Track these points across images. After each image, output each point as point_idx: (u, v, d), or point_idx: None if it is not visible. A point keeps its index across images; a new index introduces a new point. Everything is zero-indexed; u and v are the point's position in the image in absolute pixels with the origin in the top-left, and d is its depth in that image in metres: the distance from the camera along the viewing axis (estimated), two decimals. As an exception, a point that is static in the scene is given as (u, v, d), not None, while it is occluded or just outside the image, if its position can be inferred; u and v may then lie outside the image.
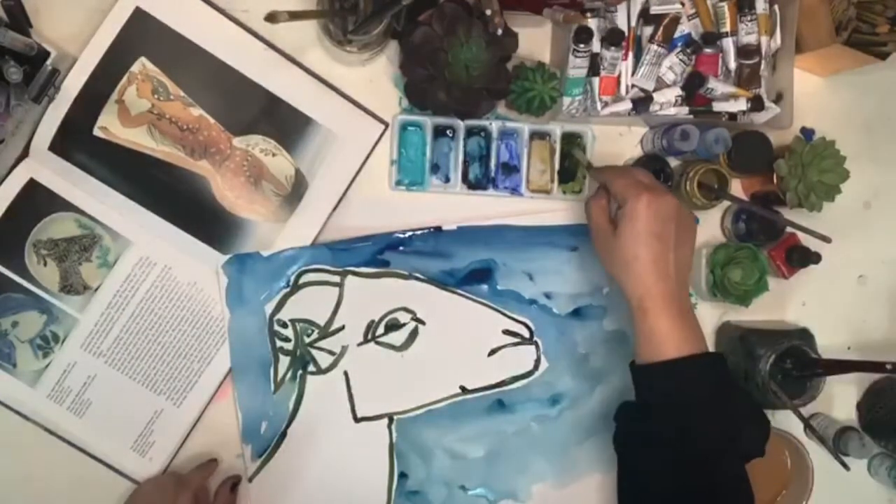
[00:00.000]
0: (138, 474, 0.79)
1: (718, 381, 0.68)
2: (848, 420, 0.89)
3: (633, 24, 0.78)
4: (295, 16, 0.64)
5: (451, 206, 0.81)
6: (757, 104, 0.79)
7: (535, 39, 0.81)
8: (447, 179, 0.81)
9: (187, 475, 0.77)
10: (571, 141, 0.82)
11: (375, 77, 0.79)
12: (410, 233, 0.80)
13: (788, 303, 0.87)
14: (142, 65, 0.75)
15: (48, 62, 0.71)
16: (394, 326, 0.80)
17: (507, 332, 0.81)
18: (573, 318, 0.83)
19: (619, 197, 0.70)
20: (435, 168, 0.80)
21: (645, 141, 0.84)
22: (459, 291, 0.81)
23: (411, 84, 0.75)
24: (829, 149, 0.81)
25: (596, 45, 0.76)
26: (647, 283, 0.68)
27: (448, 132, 0.80)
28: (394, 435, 0.81)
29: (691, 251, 0.71)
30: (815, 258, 0.83)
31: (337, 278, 0.79)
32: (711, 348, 0.86)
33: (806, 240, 0.83)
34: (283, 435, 0.80)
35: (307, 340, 0.79)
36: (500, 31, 0.70)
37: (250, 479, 0.79)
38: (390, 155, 0.80)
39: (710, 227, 0.86)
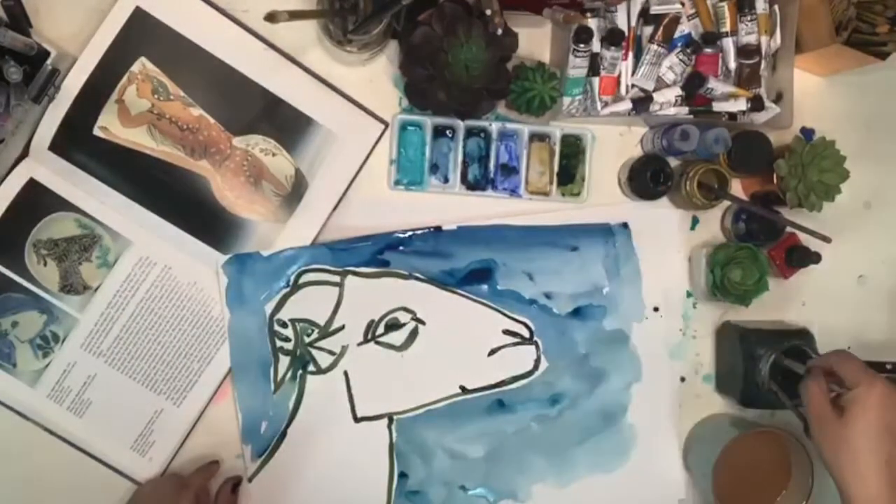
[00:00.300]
0: (138, 474, 0.79)
1: None
2: (848, 420, 0.89)
3: (633, 24, 0.78)
4: (295, 16, 0.64)
5: (450, 206, 0.81)
6: (757, 104, 0.79)
7: (535, 39, 0.81)
8: (446, 180, 0.81)
9: (188, 477, 0.77)
10: (571, 149, 0.81)
11: (375, 77, 0.79)
12: (410, 233, 0.80)
13: (788, 303, 0.87)
14: (142, 65, 0.75)
15: (48, 62, 0.71)
16: (394, 326, 0.80)
17: (507, 332, 0.81)
18: (573, 318, 0.83)
19: (850, 381, 0.64)
20: (434, 168, 0.80)
21: (645, 141, 0.84)
22: (459, 291, 0.81)
23: (411, 84, 0.75)
24: (829, 149, 0.81)
25: (596, 45, 0.76)
26: (875, 487, 0.61)
27: (448, 132, 0.80)
28: (394, 435, 0.81)
29: None
30: (815, 258, 0.83)
31: (337, 278, 0.79)
32: (711, 348, 0.86)
33: (806, 240, 0.83)
34: (283, 435, 0.80)
35: (307, 340, 0.79)
36: (500, 31, 0.70)
37: (250, 479, 0.79)
38: (390, 154, 0.80)
39: (710, 227, 0.86)
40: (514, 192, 0.81)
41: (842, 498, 0.63)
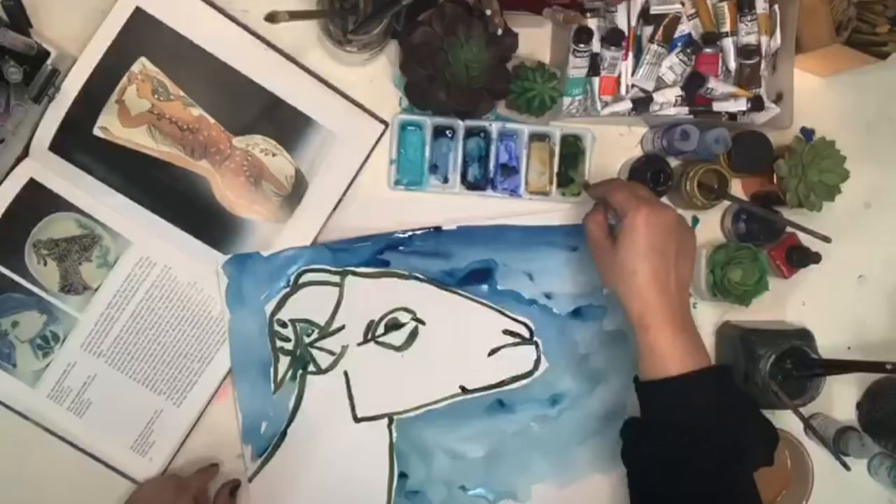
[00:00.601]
0: (138, 474, 0.79)
1: (724, 394, 0.67)
2: (848, 420, 0.89)
3: (633, 24, 0.78)
4: (295, 16, 0.64)
5: (450, 206, 0.81)
6: (757, 104, 0.79)
7: (535, 39, 0.81)
8: (446, 180, 0.80)
9: (188, 478, 0.77)
10: (571, 150, 0.81)
11: (375, 77, 0.79)
12: (410, 233, 0.80)
13: (788, 303, 0.87)
14: (142, 65, 0.75)
15: (48, 62, 0.71)
16: (394, 326, 0.80)
17: (507, 332, 0.81)
18: (573, 318, 0.83)
19: (619, 210, 0.69)
20: (434, 168, 0.80)
21: (645, 141, 0.84)
22: (459, 291, 0.81)
23: (411, 84, 0.75)
24: (829, 149, 0.81)
25: (596, 45, 0.76)
26: (648, 299, 0.67)
27: (447, 132, 0.80)
28: (394, 435, 0.81)
29: (692, 265, 0.71)
30: (815, 258, 0.83)
31: (337, 278, 0.79)
32: (711, 348, 0.86)
33: (806, 240, 0.83)
34: (283, 435, 0.80)
35: (307, 340, 0.79)
36: (500, 31, 0.70)
37: (250, 480, 0.79)
38: (389, 154, 0.80)
39: (710, 227, 0.86)
40: (513, 192, 0.81)
41: (625, 314, 0.69)
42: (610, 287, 0.71)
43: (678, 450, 0.65)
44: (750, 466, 0.67)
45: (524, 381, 0.82)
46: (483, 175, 0.81)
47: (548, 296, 0.82)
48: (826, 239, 0.77)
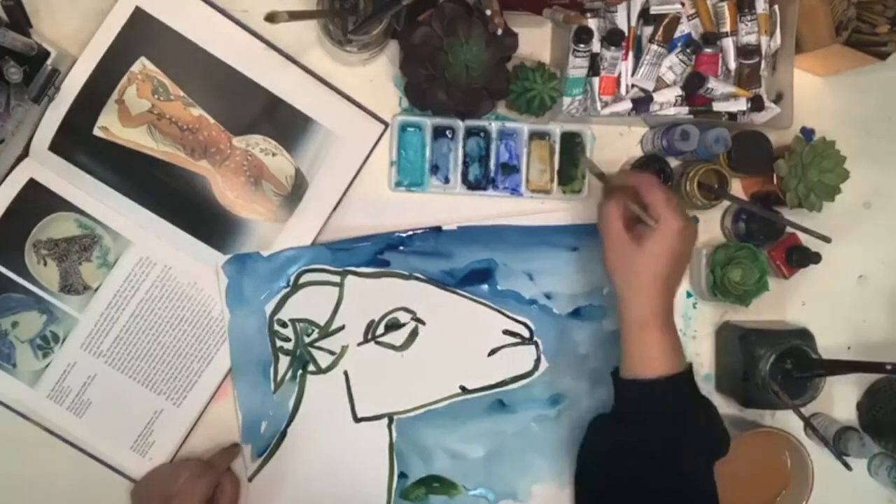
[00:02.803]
0: (138, 474, 0.79)
1: (697, 394, 0.71)
2: (848, 420, 0.89)
3: (633, 24, 0.78)
4: (295, 16, 0.64)
5: (451, 206, 0.81)
6: (757, 104, 0.79)
7: (535, 39, 0.81)
8: (447, 180, 0.80)
9: (212, 458, 0.77)
10: (572, 144, 0.81)
11: (375, 77, 0.79)
12: (410, 233, 0.80)
13: (788, 303, 0.87)
14: (142, 65, 0.75)
15: (48, 62, 0.71)
16: (394, 326, 0.80)
17: (507, 332, 0.81)
18: (573, 318, 0.83)
19: (653, 211, 0.69)
20: (434, 169, 0.80)
21: (645, 141, 0.84)
22: (459, 291, 0.81)
23: (411, 84, 0.75)
24: (829, 149, 0.81)
25: (596, 45, 0.76)
26: (655, 301, 0.69)
27: (447, 133, 0.80)
28: (394, 435, 0.81)
29: (686, 269, 0.74)
30: (815, 258, 0.83)
31: (337, 278, 0.79)
32: (711, 348, 0.86)
33: (806, 240, 0.83)
34: (283, 435, 0.80)
35: (307, 340, 0.79)
36: (500, 31, 0.70)
37: (250, 479, 0.79)
38: (390, 156, 0.80)
39: (710, 227, 0.86)
40: (515, 190, 0.81)
41: (621, 307, 0.71)
42: (616, 278, 0.72)
43: (664, 440, 0.68)
44: (717, 455, 0.70)
45: (524, 381, 0.82)
46: (484, 174, 0.81)
47: (548, 296, 0.82)
48: (826, 239, 0.77)
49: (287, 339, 0.79)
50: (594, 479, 0.73)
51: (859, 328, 0.89)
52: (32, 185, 0.75)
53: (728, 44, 0.80)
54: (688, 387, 0.70)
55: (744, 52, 0.79)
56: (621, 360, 0.72)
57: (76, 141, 0.75)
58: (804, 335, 0.83)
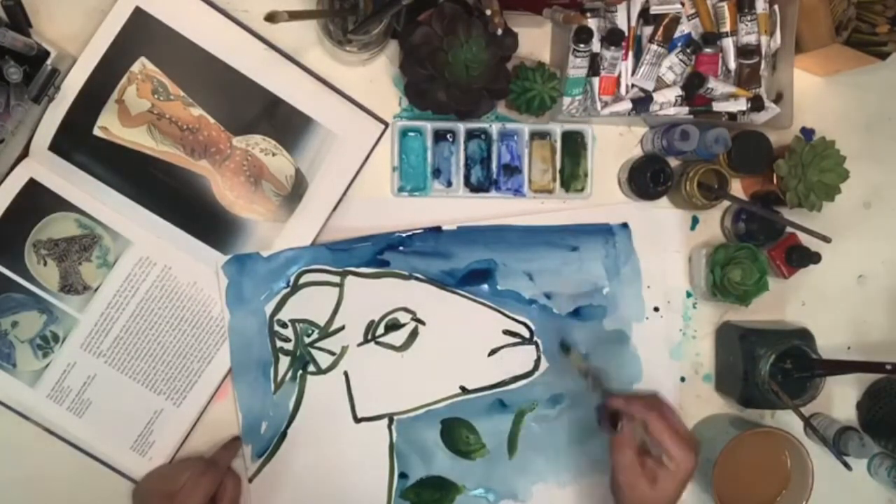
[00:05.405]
0: (138, 474, 0.79)
1: None
2: (848, 420, 0.89)
3: (633, 24, 0.78)
4: (295, 16, 0.64)
5: (453, 208, 0.81)
6: (757, 104, 0.79)
7: (535, 39, 0.81)
8: (449, 183, 0.80)
9: (214, 455, 0.77)
10: (574, 143, 0.81)
11: (375, 77, 0.79)
12: (410, 233, 0.80)
13: (788, 303, 0.87)
14: (142, 65, 0.75)
15: (48, 62, 0.71)
16: (394, 326, 0.80)
17: (507, 332, 0.81)
18: (573, 318, 0.83)
19: (666, 449, 0.69)
20: (437, 172, 0.80)
21: (645, 141, 0.84)
22: (459, 291, 0.81)
23: (411, 84, 0.75)
24: (829, 149, 0.81)
25: (596, 45, 0.76)
26: None
27: (448, 136, 0.80)
28: (394, 435, 0.81)
29: None
30: (815, 258, 0.83)
31: (337, 278, 0.79)
32: (711, 348, 0.86)
33: (806, 240, 0.83)
34: (283, 435, 0.80)
35: (307, 340, 0.79)
36: (500, 31, 0.70)
37: (250, 480, 0.79)
38: (391, 162, 0.80)
39: (710, 227, 0.86)
40: (517, 191, 0.81)
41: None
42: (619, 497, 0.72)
43: None
44: None
45: (524, 381, 0.82)
46: (486, 176, 0.81)
47: (548, 296, 0.82)
48: (826, 239, 0.77)
49: (287, 340, 0.79)
50: None
51: (859, 328, 0.89)
52: (32, 185, 0.75)
53: (728, 44, 0.80)
54: None
55: (744, 52, 0.79)
56: None
57: (76, 141, 0.75)
58: (804, 335, 0.83)
